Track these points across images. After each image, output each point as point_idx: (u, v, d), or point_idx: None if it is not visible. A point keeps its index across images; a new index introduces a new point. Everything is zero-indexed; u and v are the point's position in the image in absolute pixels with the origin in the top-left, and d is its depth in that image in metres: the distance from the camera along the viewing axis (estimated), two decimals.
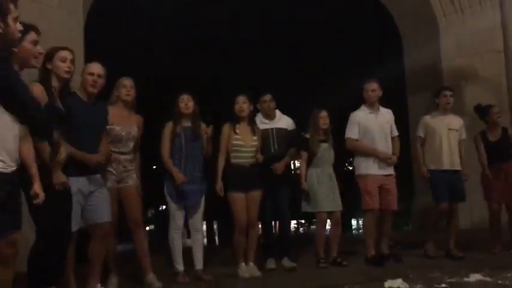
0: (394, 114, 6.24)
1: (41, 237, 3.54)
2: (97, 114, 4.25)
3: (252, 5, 13.78)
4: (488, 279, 4.38)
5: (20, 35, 3.01)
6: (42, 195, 3.11)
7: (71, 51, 3.91)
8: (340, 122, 6.17)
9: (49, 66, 3.75)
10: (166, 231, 5.28)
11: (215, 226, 22.34)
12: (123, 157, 4.73)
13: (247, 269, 5.34)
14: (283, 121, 5.98)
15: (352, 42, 14.97)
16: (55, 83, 3.76)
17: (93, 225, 4.09)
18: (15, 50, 3.06)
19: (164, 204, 5.56)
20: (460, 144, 6.27)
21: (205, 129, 5.24)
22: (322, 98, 10.84)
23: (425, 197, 7.08)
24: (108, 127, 4.53)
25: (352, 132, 6.01)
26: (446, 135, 6.19)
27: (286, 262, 5.74)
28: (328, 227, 6.05)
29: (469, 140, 6.53)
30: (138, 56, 14.11)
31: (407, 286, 4.16)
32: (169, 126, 5.19)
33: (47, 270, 3.57)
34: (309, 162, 5.87)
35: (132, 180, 4.77)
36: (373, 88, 5.99)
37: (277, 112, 5.99)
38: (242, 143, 5.40)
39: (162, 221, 15.92)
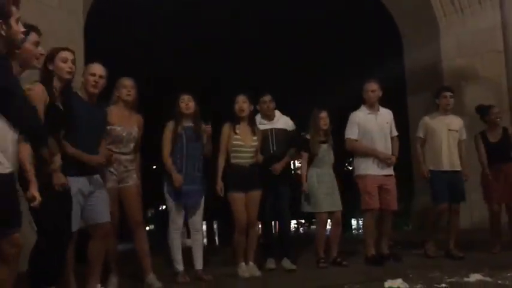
0: (394, 114, 6.23)
1: (42, 237, 3.54)
2: (97, 114, 4.26)
3: (252, 5, 13.79)
4: (488, 279, 4.38)
5: (22, 36, 3.01)
6: (38, 198, 3.11)
7: (72, 51, 3.91)
8: (340, 122, 6.17)
9: (50, 67, 3.76)
10: (166, 231, 5.28)
11: (215, 226, 22.35)
12: (123, 157, 4.73)
13: (247, 269, 5.35)
14: (283, 121, 5.97)
15: (352, 42, 14.98)
16: (57, 83, 3.77)
17: (93, 225, 4.09)
18: (17, 51, 3.06)
19: (164, 204, 5.56)
20: (460, 145, 6.27)
21: (205, 128, 5.24)
22: (322, 98, 10.84)
23: (425, 197, 7.08)
24: (108, 127, 4.54)
25: (351, 133, 6.01)
26: (446, 135, 6.19)
27: (286, 263, 5.74)
28: (328, 227, 6.05)
29: (469, 140, 6.53)
30: (138, 56, 14.12)
31: (407, 286, 4.16)
32: (170, 126, 5.19)
33: (47, 270, 3.57)
34: (309, 163, 5.87)
35: (133, 180, 4.78)
36: (372, 88, 5.99)
37: (277, 112, 5.99)
38: (242, 143, 5.40)
39: (162, 221, 15.93)
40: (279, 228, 6.39)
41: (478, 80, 8.54)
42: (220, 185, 5.33)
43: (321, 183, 5.82)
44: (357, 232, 27.81)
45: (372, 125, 5.98)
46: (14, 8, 2.87)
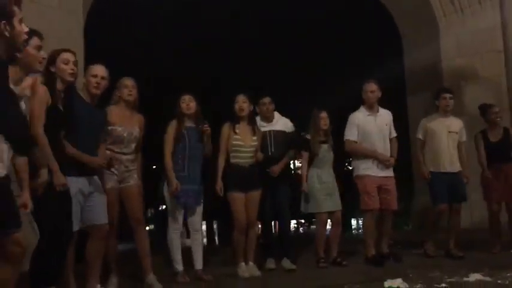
0: (394, 114, 6.23)
1: (42, 237, 3.55)
2: (98, 115, 4.26)
3: (252, 5, 13.78)
4: (488, 279, 4.38)
5: (26, 36, 3.00)
6: (29, 207, 3.12)
7: (73, 53, 3.92)
8: (340, 123, 6.16)
9: (52, 69, 3.77)
10: (166, 231, 5.28)
11: (215, 226, 22.35)
12: (125, 157, 4.72)
13: (247, 269, 5.35)
14: (282, 123, 5.95)
15: (352, 42, 14.98)
16: (59, 85, 3.78)
17: (90, 226, 4.10)
18: (19, 55, 3.05)
19: (164, 204, 5.55)
20: (460, 147, 6.26)
21: (204, 128, 5.22)
22: (322, 98, 10.86)
23: (425, 197, 7.08)
24: (109, 127, 4.55)
25: (351, 134, 6.00)
26: (446, 137, 6.19)
27: (286, 263, 5.73)
28: (328, 227, 6.05)
29: (469, 140, 6.53)
30: (138, 56, 14.12)
31: (407, 286, 4.16)
32: (173, 125, 5.17)
33: (47, 270, 3.58)
34: (310, 163, 5.87)
35: (134, 180, 4.77)
36: (372, 89, 5.99)
37: (276, 114, 5.97)
38: (242, 143, 5.40)
39: (162, 221, 15.93)
40: (279, 228, 6.39)
41: (477, 80, 8.54)
42: (220, 185, 5.33)
43: (321, 183, 5.82)
44: (356, 232, 27.80)
45: (371, 126, 5.98)
46: (16, 8, 2.86)
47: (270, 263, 5.81)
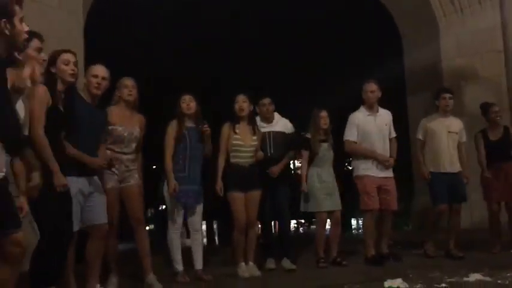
0: (394, 114, 6.23)
1: (42, 237, 3.55)
2: (99, 116, 4.27)
3: (252, 5, 13.78)
4: (488, 279, 4.38)
5: (26, 36, 3.00)
6: (26, 210, 3.14)
7: (74, 53, 3.92)
8: (340, 123, 6.16)
9: (53, 70, 3.77)
10: (166, 231, 5.28)
11: (215, 226, 22.35)
12: (125, 157, 4.72)
13: (247, 269, 5.35)
14: (281, 124, 5.93)
15: (352, 42, 14.98)
16: (60, 85, 3.78)
17: (90, 226, 4.10)
18: (20, 58, 3.05)
19: (164, 204, 5.56)
20: (460, 148, 6.26)
21: (204, 129, 5.22)
22: (322, 98, 10.84)
23: (425, 197, 7.08)
24: (110, 127, 4.55)
25: (350, 135, 6.00)
26: (446, 137, 6.19)
27: (286, 263, 5.73)
28: (328, 226, 6.05)
29: (469, 140, 6.53)
30: (138, 56, 14.12)
31: (407, 286, 4.16)
32: (173, 126, 5.17)
33: (47, 270, 3.58)
34: (310, 162, 5.87)
35: (134, 180, 4.77)
36: (372, 89, 5.98)
37: (276, 115, 5.95)
38: (241, 143, 5.40)
39: (162, 220, 15.94)
40: (279, 228, 6.39)
41: (477, 80, 8.55)
42: (220, 185, 5.33)
43: (321, 182, 5.82)
44: (357, 232, 27.81)
45: (371, 126, 5.98)
46: (17, 7, 2.87)
47: (270, 263, 5.81)
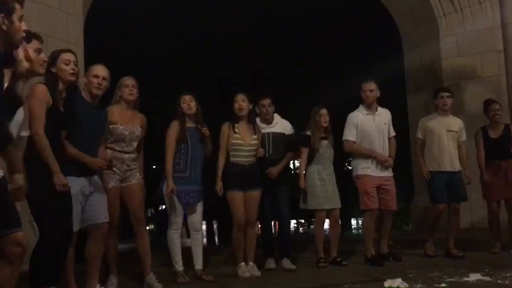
0: (394, 113, 6.22)
1: (42, 237, 3.55)
2: (99, 116, 4.26)
3: (252, 5, 13.79)
4: (487, 278, 4.38)
5: (24, 34, 3.00)
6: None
7: (74, 53, 3.93)
8: (340, 122, 6.16)
9: (53, 70, 3.77)
10: (166, 231, 5.28)
11: (215, 226, 22.37)
12: (126, 156, 4.71)
13: (247, 269, 5.34)
14: (281, 125, 5.90)
15: (352, 41, 14.99)
16: (60, 85, 3.78)
17: (91, 225, 4.10)
18: (20, 59, 3.05)
19: (164, 204, 5.55)
20: (460, 147, 6.26)
21: (204, 131, 5.22)
22: (322, 97, 10.85)
23: (425, 197, 7.08)
24: (111, 126, 4.55)
25: (349, 134, 5.99)
26: (445, 136, 6.19)
27: (286, 263, 5.73)
28: (326, 226, 6.05)
29: (469, 139, 6.53)
30: (138, 56, 14.13)
31: (407, 286, 4.16)
32: (175, 127, 5.17)
33: (47, 270, 3.58)
34: (310, 160, 5.87)
35: (136, 179, 4.76)
36: (370, 88, 5.97)
37: (276, 116, 5.92)
38: (241, 142, 5.40)
39: (162, 221, 15.97)
40: (279, 228, 6.38)
41: (477, 80, 8.54)
42: (219, 184, 5.32)
43: (322, 180, 5.82)
44: (357, 232, 27.83)
45: (370, 125, 5.97)
46: (17, 5, 2.87)
47: (270, 263, 5.81)
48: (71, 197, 3.74)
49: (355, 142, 5.98)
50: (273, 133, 5.81)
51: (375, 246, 5.94)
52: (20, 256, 2.91)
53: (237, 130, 5.42)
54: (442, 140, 6.17)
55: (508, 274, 4.47)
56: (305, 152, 5.85)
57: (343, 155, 6.84)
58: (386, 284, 4.21)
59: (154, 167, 15.19)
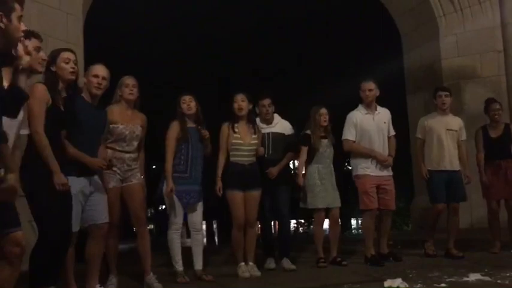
0: (393, 113, 6.22)
1: (42, 237, 3.55)
2: (99, 116, 4.26)
3: (252, 5, 13.78)
4: (487, 278, 4.39)
5: (22, 34, 3.00)
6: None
7: (73, 52, 3.93)
8: (339, 122, 6.16)
9: (53, 69, 3.77)
10: (166, 231, 5.28)
11: (215, 226, 22.35)
12: (127, 155, 4.71)
13: (247, 269, 5.34)
14: (281, 126, 5.89)
15: (352, 41, 14.98)
16: (60, 84, 3.78)
17: (92, 225, 4.10)
18: (20, 54, 3.04)
19: (164, 204, 5.55)
20: (460, 146, 6.25)
21: (203, 133, 5.22)
22: (322, 98, 10.84)
23: (424, 197, 7.08)
24: (111, 126, 4.55)
25: (349, 134, 5.99)
26: (445, 135, 6.19)
27: (286, 263, 5.73)
28: (326, 226, 6.05)
29: (469, 139, 6.53)
30: (138, 56, 14.13)
31: (407, 286, 4.16)
32: (175, 127, 5.17)
33: (47, 270, 3.58)
34: (310, 159, 5.87)
35: (136, 179, 4.75)
36: (370, 87, 5.97)
37: (276, 116, 5.92)
38: (241, 142, 5.40)
39: (162, 221, 15.96)
40: (279, 228, 6.38)
41: (477, 80, 8.55)
42: (219, 184, 5.32)
43: (322, 179, 5.82)
44: (356, 232, 27.83)
45: (370, 125, 5.97)
46: (17, 5, 2.87)
47: (270, 263, 5.81)
48: (71, 196, 3.74)
49: (354, 141, 5.98)
50: (273, 133, 5.81)
51: (375, 246, 5.94)
52: (20, 256, 2.91)
53: (236, 130, 5.42)
54: (442, 139, 6.17)
55: (508, 274, 4.47)
56: (305, 150, 5.86)
57: (343, 155, 6.83)
58: (386, 284, 4.21)
59: (154, 167, 15.18)
